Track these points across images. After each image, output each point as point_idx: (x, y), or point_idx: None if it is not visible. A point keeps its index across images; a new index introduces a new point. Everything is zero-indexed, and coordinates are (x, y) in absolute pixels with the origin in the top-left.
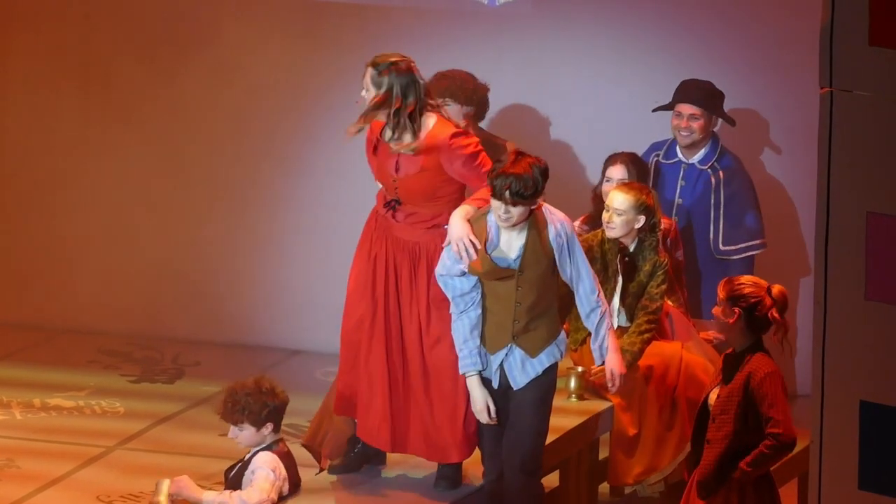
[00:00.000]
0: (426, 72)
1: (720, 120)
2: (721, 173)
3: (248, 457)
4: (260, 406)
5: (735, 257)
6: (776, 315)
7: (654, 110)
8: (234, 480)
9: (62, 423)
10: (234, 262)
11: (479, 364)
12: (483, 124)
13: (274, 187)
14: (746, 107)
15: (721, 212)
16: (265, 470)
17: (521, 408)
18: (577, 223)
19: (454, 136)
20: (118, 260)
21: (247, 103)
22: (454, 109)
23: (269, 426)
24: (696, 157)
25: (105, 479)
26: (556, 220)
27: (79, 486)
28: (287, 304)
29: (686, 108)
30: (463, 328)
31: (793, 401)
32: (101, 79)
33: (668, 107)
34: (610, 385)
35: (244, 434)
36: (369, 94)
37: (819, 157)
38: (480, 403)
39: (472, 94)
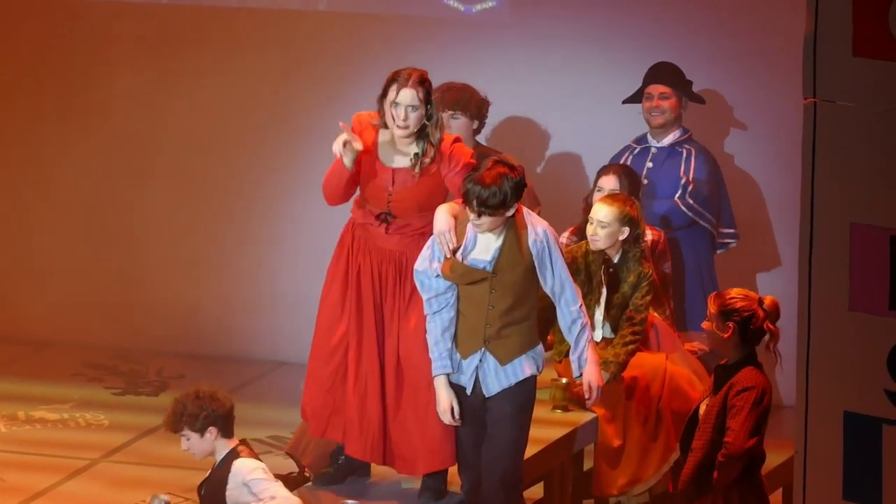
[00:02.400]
0: None
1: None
2: (691, 149)
3: (212, 473)
4: (196, 409)
5: (691, 216)
6: (770, 327)
7: (625, 101)
8: (213, 498)
9: (47, 436)
10: (218, 275)
11: (448, 367)
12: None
13: (257, 200)
14: (731, 116)
15: (690, 176)
16: (257, 473)
17: (500, 420)
18: (565, 234)
19: (455, 141)
20: (103, 273)
21: (229, 115)
22: (462, 122)
23: (213, 431)
24: (665, 140)
25: (90, 491)
26: (537, 226)
27: (63, 499)
28: (271, 316)
29: (656, 88)
30: (435, 329)
31: (777, 412)
32: (82, 85)
33: (637, 97)
34: (587, 398)
35: (191, 443)
36: (418, 112)
37: (803, 168)
38: (444, 403)
39: (480, 108)
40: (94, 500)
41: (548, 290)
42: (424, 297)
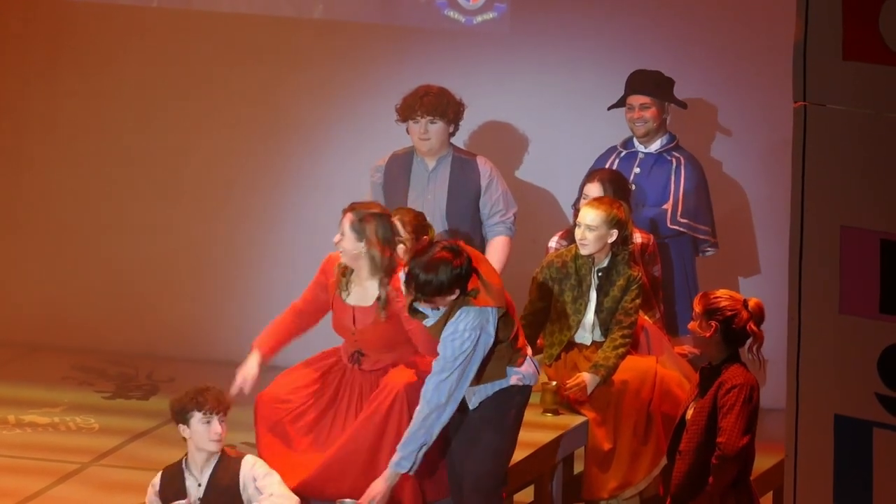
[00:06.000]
0: (403, 89)
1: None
2: (680, 158)
3: (214, 480)
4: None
5: (685, 231)
6: (753, 328)
7: (609, 108)
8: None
9: (37, 440)
10: (209, 279)
11: None
12: (460, 140)
13: (249, 203)
14: (718, 122)
15: (681, 188)
16: (263, 466)
17: (478, 425)
18: (555, 238)
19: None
20: (92, 277)
21: (218, 119)
22: (439, 127)
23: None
24: (653, 146)
25: (80, 495)
26: (448, 330)
27: (54, 503)
28: (261, 320)
29: (636, 99)
30: None
31: (767, 414)
32: (72, 89)
33: (621, 102)
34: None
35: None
36: (348, 239)
37: (793, 171)
38: None
39: (457, 113)
40: (84, 503)
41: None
42: None
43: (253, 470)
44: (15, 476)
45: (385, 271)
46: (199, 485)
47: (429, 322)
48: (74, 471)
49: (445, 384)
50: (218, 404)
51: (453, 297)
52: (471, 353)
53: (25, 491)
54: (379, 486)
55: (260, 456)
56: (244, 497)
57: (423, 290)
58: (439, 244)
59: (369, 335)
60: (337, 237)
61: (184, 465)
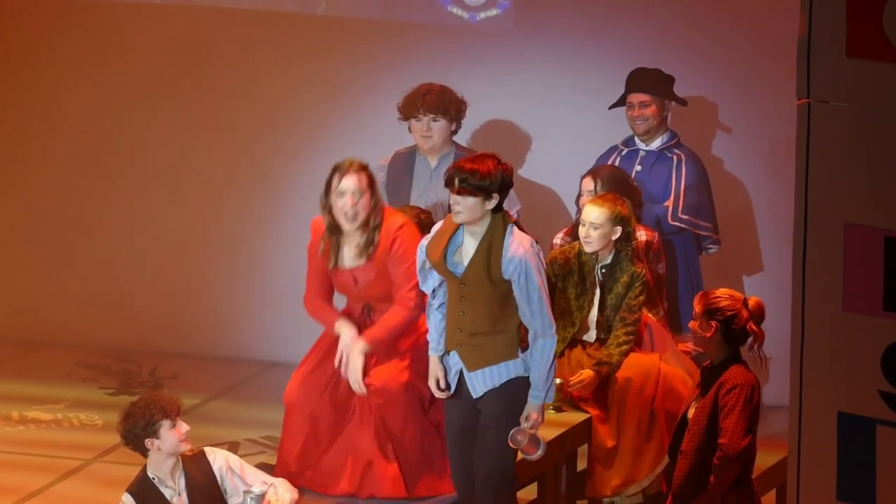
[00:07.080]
0: (405, 87)
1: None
2: (681, 155)
3: (191, 480)
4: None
5: (686, 227)
6: (753, 327)
7: (611, 107)
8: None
9: (40, 436)
10: (212, 275)
11: (434, 350)
12: (463, 138)
13: (251, 200)
14: (724, 119)
15: (682, 185)
16: (236, 458)
17: (488, 421)
18: (559, 235)
19: (401, 227)
20: (96, 273)
21: (219, 116)
22: (442, 125)
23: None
24: (653, 144)
25: (83, 492)
26: (519, 251)
27: (57, 499)
28: (264, 316)
29: (636, 97)
30: (429, 317)
31: (770, 412)
32: (74, 86)
33: (622, 101)
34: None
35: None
36: (364, 198)
37: (797, 169)
38: (430, 378)
39: (459, 110)
40: (87, 500)
41: (524, 321)
42: (426, 290)
43: (227, 461)
44: (18, 472)
45: (377, 222)
46: (179, 493)
47: (457, 267)
48: (78, 467)
49: (547, 312)
50: (177, 405)
51: (492, 203)
52: (543, 268)
53: (29, 487)
54: (534, 413)
55: (281, 454)
56: (221, 489)
57: (469, 180)
58: (479, 152)
59: (374, 289)
60: (351, 199)
61: (154, 482)
